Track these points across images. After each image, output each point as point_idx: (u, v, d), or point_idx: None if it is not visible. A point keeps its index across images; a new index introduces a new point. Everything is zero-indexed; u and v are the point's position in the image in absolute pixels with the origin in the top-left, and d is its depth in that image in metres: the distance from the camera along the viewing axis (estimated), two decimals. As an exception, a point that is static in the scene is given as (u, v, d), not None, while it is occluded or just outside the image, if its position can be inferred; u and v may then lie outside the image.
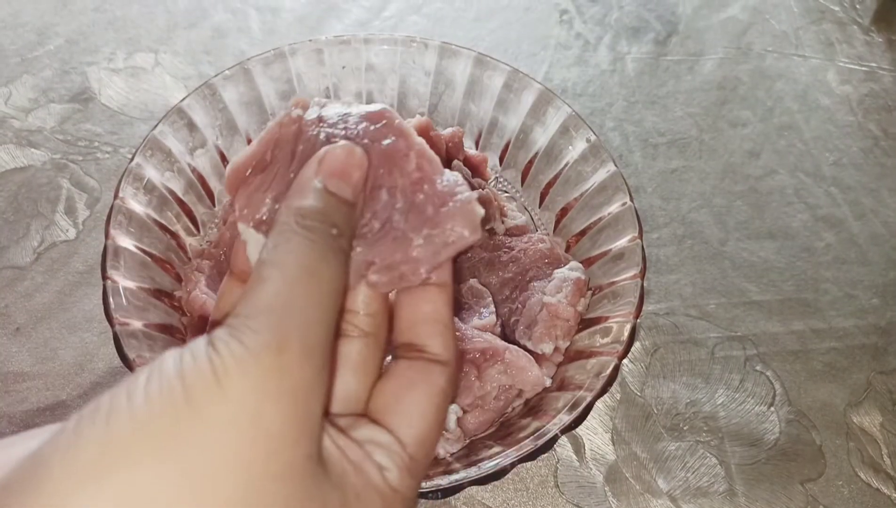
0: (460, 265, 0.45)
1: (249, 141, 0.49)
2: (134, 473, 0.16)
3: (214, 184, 0.47)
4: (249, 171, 0.24)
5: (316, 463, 0.18)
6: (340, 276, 0.20)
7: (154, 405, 0.16)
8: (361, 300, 0.23)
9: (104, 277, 0.36)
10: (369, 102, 0.52)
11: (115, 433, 0.16)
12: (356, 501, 0.19)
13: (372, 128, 0.24)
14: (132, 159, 0.41)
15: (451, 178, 0.23)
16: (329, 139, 0.23)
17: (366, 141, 0.23)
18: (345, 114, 0.24)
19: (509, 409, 0.41)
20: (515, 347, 0.40)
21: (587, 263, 0.44)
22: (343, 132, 0.23)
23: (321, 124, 0.24)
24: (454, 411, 0.39)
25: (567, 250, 0.47)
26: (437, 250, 0.22)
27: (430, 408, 0.22)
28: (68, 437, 0.16)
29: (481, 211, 0.22)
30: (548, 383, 0.40)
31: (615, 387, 0.47)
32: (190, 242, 0.44)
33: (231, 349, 0.17)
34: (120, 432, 0.16)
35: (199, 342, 0.18)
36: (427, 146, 0.24)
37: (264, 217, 0.23)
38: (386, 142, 0.23)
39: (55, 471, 0.16)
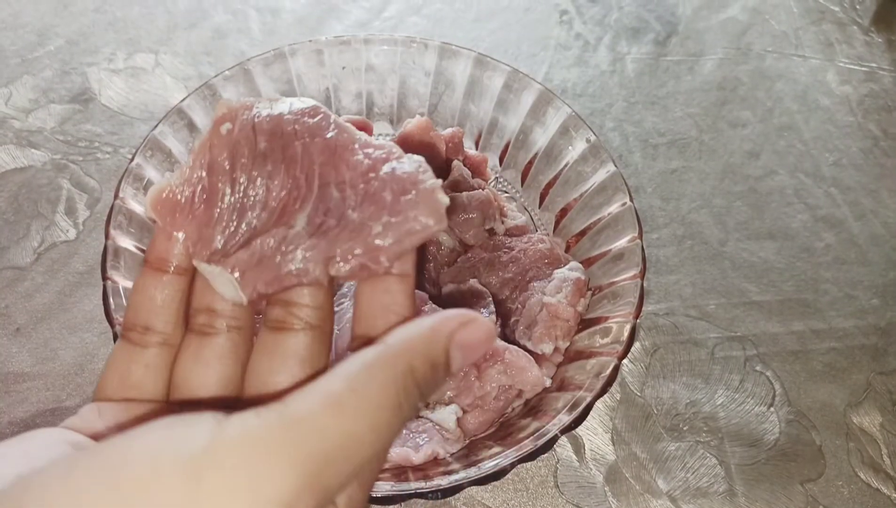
0: (461, 267, 0.45)
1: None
2: None
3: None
4: (183, 197, 0.22)
5: None
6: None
7: (154, 487, 0.15)
8: (307, 292, 0.22)
9: (104, 277, 0.36)
10: (369, 103, 0.52)
11: None
12: None
13: (310, 122, 0.23)
14: (132, 160, 0.41)
15: (412, 164, 0.22)
16: (272, 151, 0.22)
17: (306, 138, 0.22)
18: (277, 115, 0.23)
19: (509, 409, 0.41)
20: (515, 347, 0.40)
21: (587, 263, 0.44)
22: (282, 138, 0.22)
23: (258, 135, 0.22)
24: (454, 411, 0.39)
25: (567, 250, 0.47)
26: (400, 239, 0.21)
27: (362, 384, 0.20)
28: None
29: (446, 200, 0.21)
30: (547, 383, 0.40)
31: (615, 387, 0.47)
32: (190, 242, 0.44)
33: (238, 465, 0.15)
34: None
35: (195, 439, 0.16)
36: (368, 135, 0.23)
37: (219, 248, 0.22)
38: (328, 135, 0.22)
39: None
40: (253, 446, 0.15)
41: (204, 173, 0.22)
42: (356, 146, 0.22)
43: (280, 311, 0.22)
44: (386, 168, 0.22)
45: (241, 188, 0.22)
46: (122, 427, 0.21)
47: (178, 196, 0.22)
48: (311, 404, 0.16)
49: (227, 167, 0.22)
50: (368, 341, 0.21)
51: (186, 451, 0.15)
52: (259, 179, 0.22)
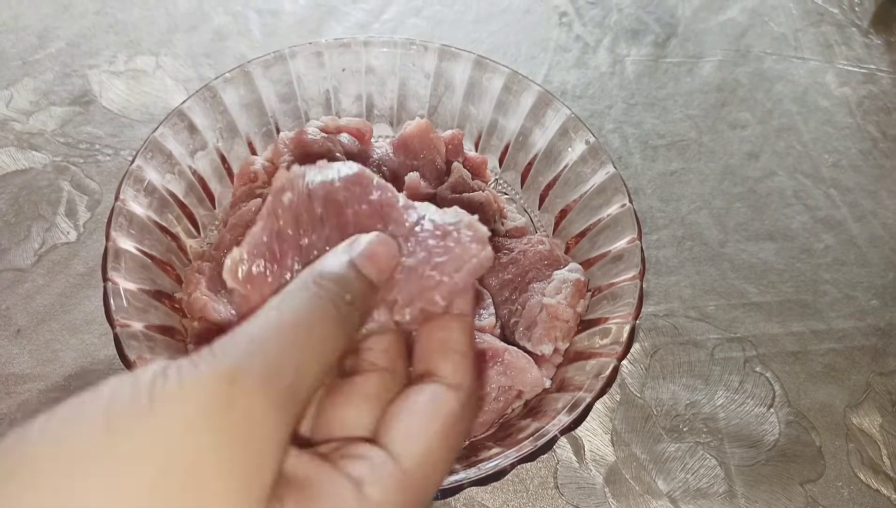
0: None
1: (250, 144, 0.49)
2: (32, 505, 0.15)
3: (215, 186, 0.47)
4: (258, 267, 0.24)
5: (260, 499, 0.17)
6: (336, 339, 0.20)
7: (64, 442, 0.16)
8: (375, 339, 0.23)
9: (105, 278, 0.36)
10: (369, 105, 0.52)
11: (19, 460, 0.15)
12: None
13: (357, 189, 0.25)
14: (133, 162, 0.41)
15: (451, 213, 0.24)
16: (328, 216, 0.24)
17: (355, 205, 0.25)
18: (329, 182, 0.25)
19: (509, 410, 0.41)
20: (515, 348, 0.40)
21: (586, 264, 0.44)
22: (335, 204, 0.25)
23: (314, 202, 0.25)
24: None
25: (566, 251, 0.47)
26: (450, 274, 0.23)
27: (433, 427, 0.21)
28: None
29: (486, 229, 0.24)
30: (547, 384, 0.40)
31: (615, 388, 0.47)
32: (190, 244, 0.44)
33: (181, 373, 0.17)
34: (23, 458, 0.15)
35: (148, 369, 0.17)
36: (405, 197, 0.26)
37: None
38: (373, 197, 0.25)
39: None
40: (191, 361, 0.17)
41: (273, 241, 0.24)
42: (400, 205, 0.25)
43: (351, 359, 0.23)
44: (428, 219, 0.24)
45: (307, 252, 0.24)
46: None
47: (254, 267, 0.24)
48: (238, 327, 0.19)
49: (292, 234, 0.24)
50: (428, 375, 0.23)
51: (138, 379, 0.17)
52: (320, 242, 0.24)
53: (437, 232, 0.24)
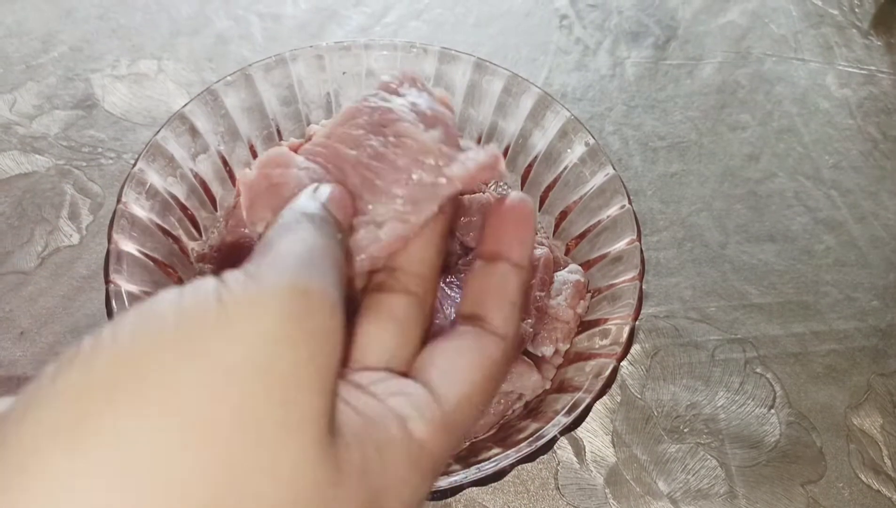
0: (461, 269, 0.45)
1: (252, 147, 0.49)
2: (113, 422, 0.14)
3: (216, 189, 0.47)
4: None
5: (330, 420, 0.17)
6: (343, 268, 0.20)
7: (140, 343, 0.15)
8: (406, 258, 0.22)
9: (107, 281, 0.36)
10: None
11: (94, 378, 0.14)
12: (377, 457, 0.18)
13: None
14: (135, 165, 0.41)
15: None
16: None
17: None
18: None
19: (509, 411, 0.41)
20: (515, 349, 0.40)
21: (586, 265, 0.44)
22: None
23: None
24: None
25: (566, 253, 0.47)
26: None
27: (476, 371, 0.21)
28: (43, 386, 0.15)
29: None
30: (547, 385, 0.40)
31: (615, 390, 0.47)
32: (192, 246, 0.45)
33: (246, 287, 0.16)
34: (98, 375, 0.14)
35: (206, 279, 0.16)
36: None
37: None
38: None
39: (24, 426, 0.14)
40: (246, 272, 0.17)
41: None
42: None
43: (384, 276, 0.23)
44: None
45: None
46: None
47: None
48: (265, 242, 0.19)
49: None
50: (475, 318, 0.22)
51: (203, 285, 0.16)
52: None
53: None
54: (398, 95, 0.24)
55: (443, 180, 0.22)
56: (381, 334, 0.21)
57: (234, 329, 0.15)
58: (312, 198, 0.21)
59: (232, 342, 0.15)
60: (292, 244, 0.18)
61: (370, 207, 0.22)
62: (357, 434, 0.17)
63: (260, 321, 0.15)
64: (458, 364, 0.21)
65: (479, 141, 0.52)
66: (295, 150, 0.25)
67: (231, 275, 0.17)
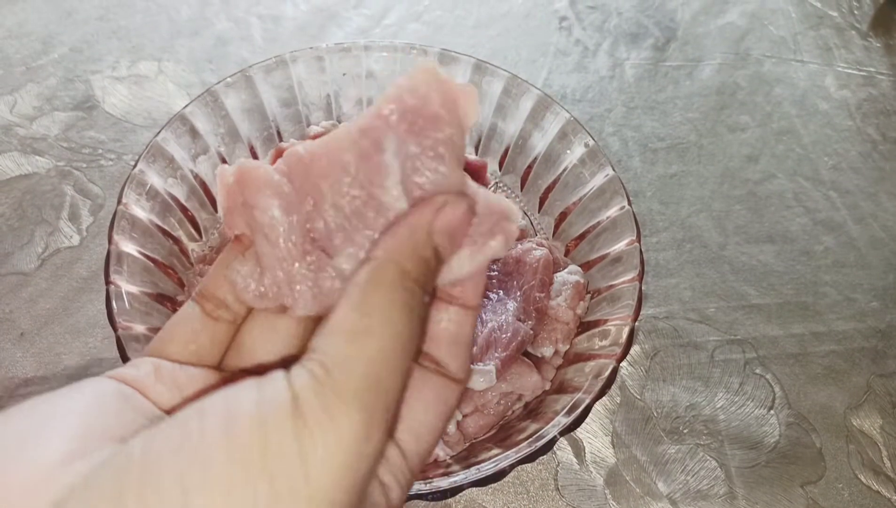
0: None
1: (252, 148, 0.49)
2: None
3: (216, 190, 0.47)
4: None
5: None
6: (417, 346, 0.20)
7: (231, 475, 0.16)
8: (448, 345, 0.23)
9: (107, 282, 0.36)
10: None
11: (188, 490, 0.15)
12: None
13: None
14: (135, 166, 0.41)
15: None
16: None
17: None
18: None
19: (509, 412, 0.41)
20: (515, 350, 0.40)
21: (586, 266, 0.44)
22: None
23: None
24: (454, 415, 0.39)
25: (566, 253, 0.47)
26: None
27: (438, 426, 0.22)
28: (115, 480, 0.16)
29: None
30: (546, 386, 0.40)
31: (615, 390, 0.47)
32: (192, 247, 0.45)
33: (321, 426, 0.16)
34: (190, 490, 0.15)
35: (281, 402, 0.17)
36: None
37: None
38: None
39: None
40: (319, 400, 0.17)
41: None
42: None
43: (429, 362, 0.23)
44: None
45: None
46: (182, 389, 0.22)
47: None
48: (340, 344, 0.18)
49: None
50: (431, 359, 0.22)
51: (281, 400, 0.17)
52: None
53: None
54: (397, 134, 0.21)
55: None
56: (428, 417, 0.22)
57: (309, 481, 0.16)
58: (425, 224, 0.20)
59: (308, 497, 0.16)
60: (374, 351, 0.18)
61: (336, 254, 0.21)
62: None
63: (330, 474, 0.16)
64: (424, 422, 0.21)
65: (478, 144, 0.52)
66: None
67: (307, 402, 0.17)
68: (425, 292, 0.19)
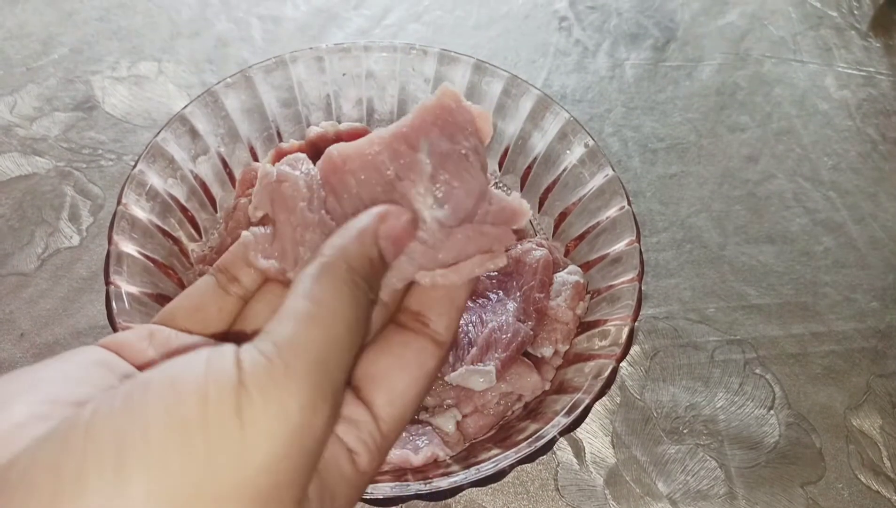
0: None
1: (252, 148, 0.49)
2: (125, 500, 0.15)
3: (216, 190, 0.47)
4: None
5: (304, 500, 0.18)
6: (363, 339, 0.20)
7: (170, 453, 0.16)
8: (436, 303, 0.23)
9: (107, 282, 0.36)
10: (369, 110, 0.53)
11: (125, 455, 0.16)
12: (329, 501, 0.19)
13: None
14: (135, 166, 0.41)
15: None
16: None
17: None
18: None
19: (509, 412, 0.41)
20: (515, 351, 0.40)
21: (586, 267, 0.44)
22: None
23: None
24: (453, 416, 0.39)
25: (566, 254, 0.47)
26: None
27: (414, 388, 0.22)
28: (60, 442, 0.16)
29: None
30: (546, 386, 0.40)
31: (615, 391, 0.47)
32: (192, 247, 0.45)
33: (266, 397, 0.17)
34: (127, 455, 0.16)
35: (227, 373, 0.17)
36: None
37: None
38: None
39: (39, 479, 0.15)
40: (267, 375, 0.17)
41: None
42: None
43: (406, 318, 0.23)
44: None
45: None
46: (168, 357, 0.22)
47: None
48: (290, 327, 0.18)
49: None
50: (418, 318, 0.23)
51: (227, 372, 0.17)
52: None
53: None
54: (430, 138, 0.23)
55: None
56: (405, 379, 0.22)
57: (250, 452, 0.16)
58: (371, 230, 0.21)
59: (245, 464, 0.16)
60: (322, 332, 0.18)
61: None
62: (317, 492, 0.19)
63: (272, 444, 0.17)
64: (399, 383, 0.22)
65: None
66: (325, 138, 0.26)
67: (252, 376, 0.17)
68: (371, 288, 0.21)
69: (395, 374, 0.22)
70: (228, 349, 0.18)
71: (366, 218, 0.22)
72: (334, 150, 0.24)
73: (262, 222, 0.25)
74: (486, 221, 0.23)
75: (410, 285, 0.24)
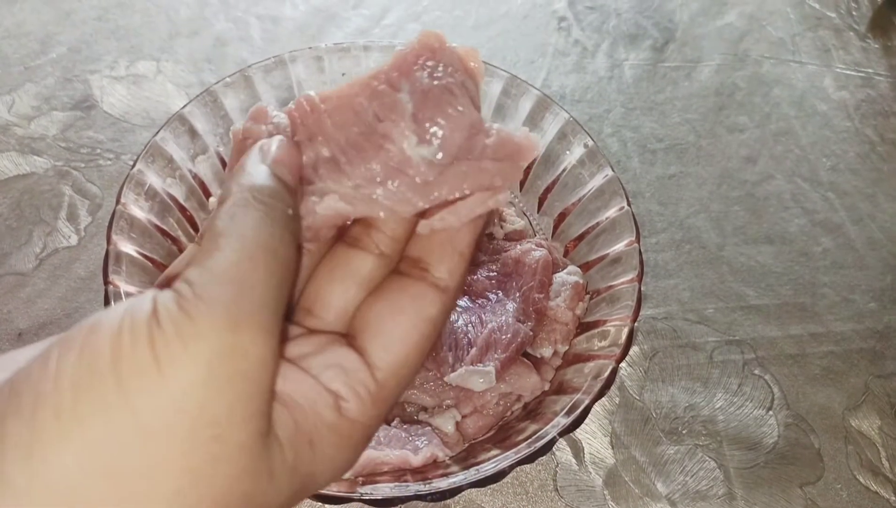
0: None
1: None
2: (50, 468, 0.15)
3: (216, 190, 0.47)
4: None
5: (264, 434, 0.18)
6: (293, 257, 0.19)
7: (81, 394, 0.16)
8: (390, 221, 0.22)
9: (106, 282, 0.36)
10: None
11: (37, 424, 0.15)
12: (309, 450, 0.19)
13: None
14: (134, 166, 0.41)
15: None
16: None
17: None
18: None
19: (508, 413, 0.41)
20: (514, 351, 0.40)
21: (585, 267, 0.44)
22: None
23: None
24: (453, 416, 0.39)
25: (565, 254, 0.47)
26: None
27: (414, 334, 0.21)
28: None
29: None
30: (546, 386, 0.40)
31: (614, 391, 0.47)
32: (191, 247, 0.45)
33: (178, 326, 0.16)
34: (41, 423, 0.15)
35: (142, 312, 0.17)
36: None
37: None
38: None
39: None
40: (178, 307, 0.17)
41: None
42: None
43: (359, 230, 0.22)
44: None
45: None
46: None
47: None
48: (199, 265, 0.18)
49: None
50: (418, 265, 0.22)
51: (142, 311, 0.17)
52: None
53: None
54: (411, 77, 0.22)
55: (409, 207, 0.21)
56: (343, 294, 0.21)
57: (167, 383, 0.16)
58: (259, 162, 0.20)
59: (164, 397, 0.16)
60: (233, 255, 0.18)
61: (318, 180, 0.22)
62: (290, 436, 0.18)
63: (191, 372, 0.16)
64: (395, 328, 0.21)
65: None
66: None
67: (166, 308, 0.17)
68: (286, 205, 0.20)
69: (390, 319, 0.21)
70: (149, 293, 0.17)
71: (251, 151, 0.21)
72: (312, 92, 0.23)
73: None
74: (486, 156, 0.22)
75: (413, 236, 0.23)
